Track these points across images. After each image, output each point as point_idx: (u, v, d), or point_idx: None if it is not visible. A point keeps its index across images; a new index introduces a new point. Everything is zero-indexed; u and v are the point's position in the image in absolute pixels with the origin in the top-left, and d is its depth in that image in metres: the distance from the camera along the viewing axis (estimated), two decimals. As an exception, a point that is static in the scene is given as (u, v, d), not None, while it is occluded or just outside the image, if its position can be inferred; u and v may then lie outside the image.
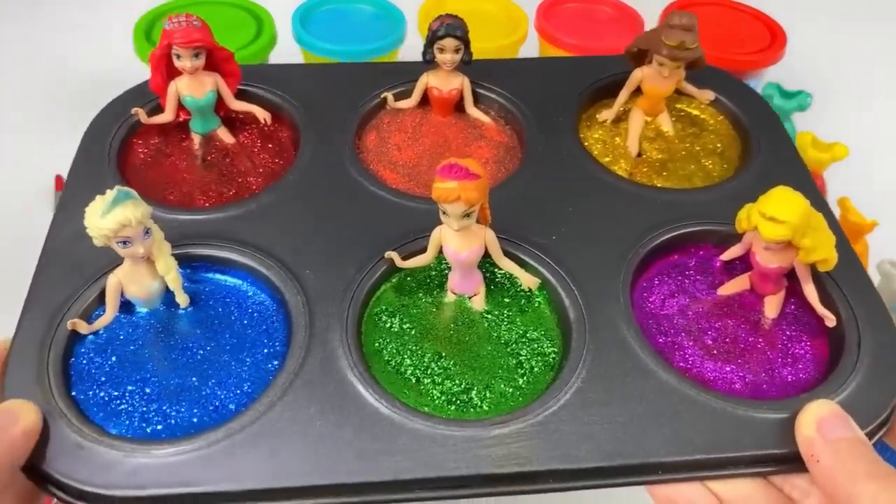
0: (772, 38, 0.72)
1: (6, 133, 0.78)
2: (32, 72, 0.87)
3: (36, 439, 0.36)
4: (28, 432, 0.36)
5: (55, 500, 0.37)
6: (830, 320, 0.43)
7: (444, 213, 0.41)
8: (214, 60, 0.51)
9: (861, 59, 0.93)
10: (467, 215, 0.40)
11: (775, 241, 0.40)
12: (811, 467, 0.36)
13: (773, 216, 0.39)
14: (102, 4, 0.92)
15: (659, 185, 0.52)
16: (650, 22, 0.71)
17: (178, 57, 0.49)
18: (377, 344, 0.42)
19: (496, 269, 0.46)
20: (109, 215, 0.39)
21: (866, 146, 0.70)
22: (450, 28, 0.51)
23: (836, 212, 0.60)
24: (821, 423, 0.36)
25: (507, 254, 0.45)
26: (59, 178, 0.70)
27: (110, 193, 0.39)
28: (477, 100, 0.56)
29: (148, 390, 0.40)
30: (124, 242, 0.40)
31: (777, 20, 0.75)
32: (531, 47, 0.74)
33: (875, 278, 0.57)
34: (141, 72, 0.63)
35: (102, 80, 0.77)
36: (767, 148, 0.53)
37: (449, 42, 0.51)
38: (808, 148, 0.65)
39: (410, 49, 0.69)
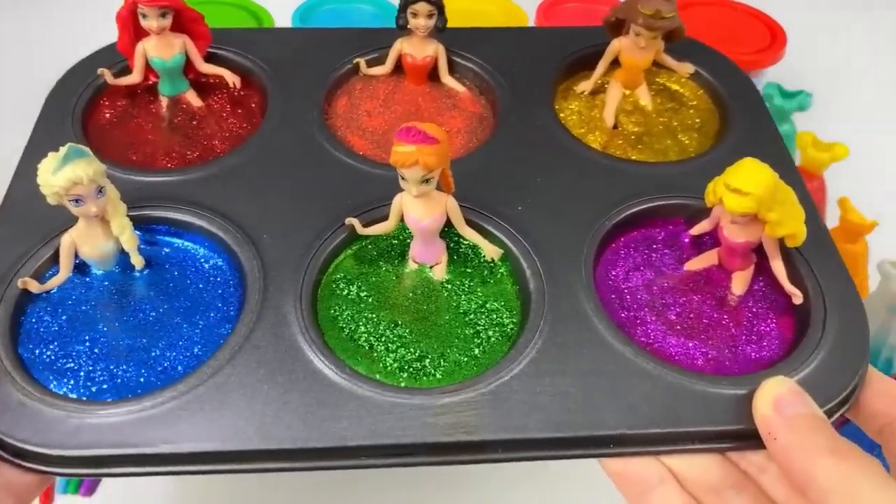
0: (772, 38, 0.72)
1: (6, 132, 0.77)
2: (32, 71, 0.81)
3: None
4: None
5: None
6: (797, 297, 0.42)
7: (402, 178, 0.40)
8: (183, 21, 0.50)
9: (861, 59, 0.92)
10: (426, 181, 0.39)
11: (740, 214, 0.39)
12: (768, 444, 0.35)
13: (738, 188, 0.38)
14: (102, 4, 0.88)
15: (634, 158, 0.51)
16: None
17: (145, 16, 0.48)
18: (333, 311, 0.42)
19: (461, 240, 0.45)
20: (60, 172, 0.38)
21: (866, 146, 0.69)
22: (423, -9, 0.50)
23: (836, 212, 0.60)
24: (778, 400, 0.36)
25: (471, 223, 0.44)
26: None
27: (62, 150, 0.38)
28: (452, 68, 0.55)
29: (96, 350, 0.39)
30: (77, 200, 0.39)
31: (777, 20, 0.75)
32: None
33: (875, 279, 0.56)
34: None
35: None
36: (745, 123, 0.52)
37: (422, 6, 0.50)
38: (808, 148, 0.64)
39: None
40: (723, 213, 0.42)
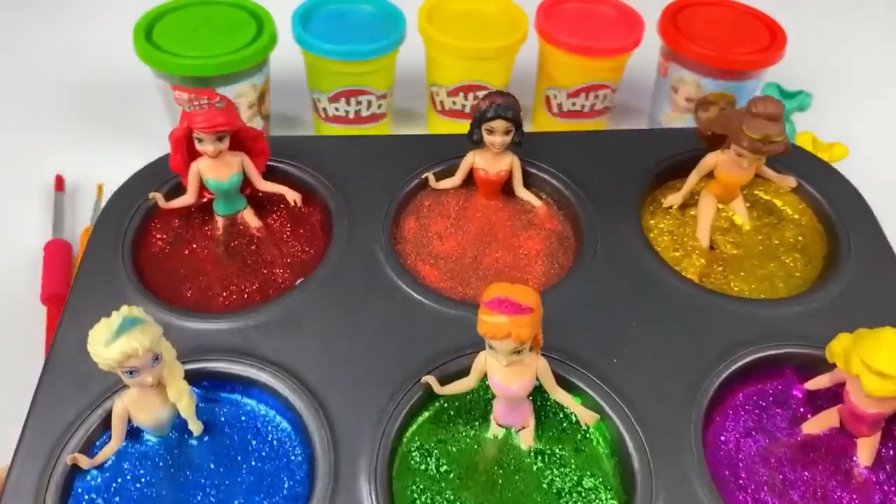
0: (772, 39, 0.70)
1: (6, 132, 0.77)
2: (32, 71, 0.86)
3: None
4: None
5: None
6: (940, 477, 0.37)
7: (490, 346, 0.35)
8: (240, 139, 0.47)
9: (861, 59, 0.91)
10: (517, 352, 0.35)
11: (883, 398, 0.34)
12: None
13: (882, 371, 0.33)
14: (102, 4, 0.92)
15: (735, 288, 0.46)
16: (650, 22, 0.70)
17: (200, 141, 0.44)
18: (409, 491, 0.37)
19: (549, 400, 0.41)
20: (114, 345, 0.34)
21: (866, 146, 0.70)
22: (500, 109, 0.45)
23: None
24: None
25: (557, 378, 0.39)
26: (58, 177, 0.68)
27: (116, 318, 0.35)
28: (527, 181, 0.51)
29: (154, 539, 0.36)
30: (131, 372, 0.35)
31: (777, 20, 0.73)
32: (531, 48, 0.72)
33: None
34: (140, 71, 0.65)
35: (102, 79, 0.83)
36: (858, 247, 0.47)
37: (499, 124, 0.46)
38: (808, 148, 0.62)
39: (410, 49, 0.68)
40: (853, 382, 0.37)
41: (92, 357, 0.35)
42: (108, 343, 0.34)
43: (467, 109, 0.69)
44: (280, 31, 0.68)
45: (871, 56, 0.92)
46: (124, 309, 0.35)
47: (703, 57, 0.65)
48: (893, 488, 0.38)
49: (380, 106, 0.68)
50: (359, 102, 0.67)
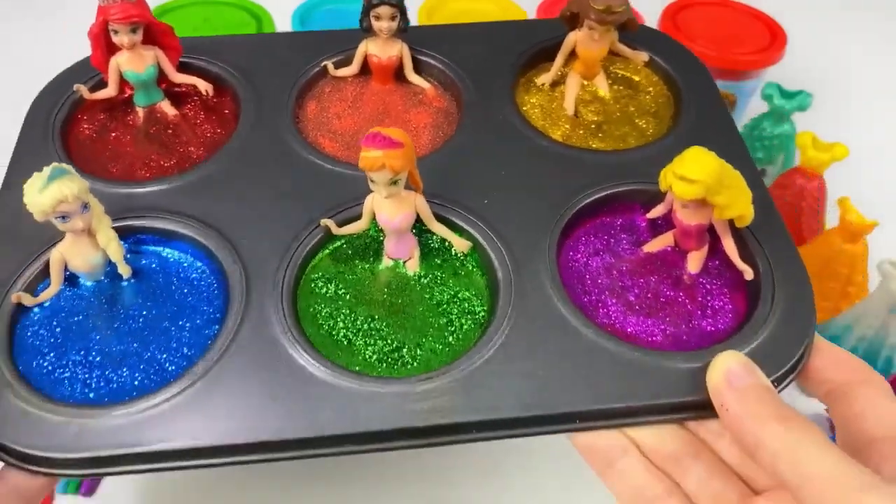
0: (772, 38, 0.73)
1: (8, 132, 0.76)
2: (32, 72, 0.81)
3: None
4: None
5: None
6: (748, 273, 0.45)
7: (372, 181, 0.42)
8: (154, 34, 0.52)
9: (861, 60, 0.93)
10: (394, 182, 0.42)
11: (688, 200, 0.42)
12: (721, 415, 0.38)
13: (685, 175, 0.41)
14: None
15: (594, 146, 0.53)
16: (650, 22, 0.72)
17: (116, 33, 0.50)
18: (312, 309, 0.44)
19: (432, 235, 0.48)
20: (46, 191, 0.40)
21: (866, 146, 0.70)
22: (384, -6, 0.52)
23: (836, 212, 0.61)
24: (729, 373, 0.38)
25: (439, 218, 0.46)
26: None
27: (46, 170, 0.40)
28: (417, 66, 0.57)
29: (91, 358, 0.42)
30: (63, 217, 0.41)
31: (777, 20, 0.75)
32: None
33: (875, 279, 0.58)
34: None
35: None
36: (698, 108, 0.54)
37: (384, 9, 0.52)
38: (808, 148, 0.65)
39: None
40: (674, 198, 0.44)
41: (28, 207, 0.41)
42: (41, 189, 0.40)
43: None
44: (280, 30, 0.70)
45: (872, 56, 0.93)
46: (54, 164, 0.41)
47: (702, 56, 0.63)
48: (714, 286, 0.46)
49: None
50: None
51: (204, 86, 0.54)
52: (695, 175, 0.41)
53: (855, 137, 0.68)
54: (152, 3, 0.64)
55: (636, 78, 0.58)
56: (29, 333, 0.43)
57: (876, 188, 0.63)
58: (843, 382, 0.40)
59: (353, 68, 0.57)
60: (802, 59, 0.79)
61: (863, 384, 0.39)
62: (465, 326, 0.44)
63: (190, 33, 0.65)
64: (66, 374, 0.41)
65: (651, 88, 0.58)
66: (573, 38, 0.55)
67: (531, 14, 0.75)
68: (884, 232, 0.60)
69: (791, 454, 0.34)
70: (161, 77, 0.54)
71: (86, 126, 0.54)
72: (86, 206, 0.42)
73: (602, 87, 0.57)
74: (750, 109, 0.77)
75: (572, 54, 0.56)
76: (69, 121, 0.53)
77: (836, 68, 0.90)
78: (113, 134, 0.53)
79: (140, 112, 0.54)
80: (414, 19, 0.68)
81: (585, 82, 0.57)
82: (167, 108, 0.55)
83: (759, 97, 0.71)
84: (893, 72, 0.92)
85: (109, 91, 0.53)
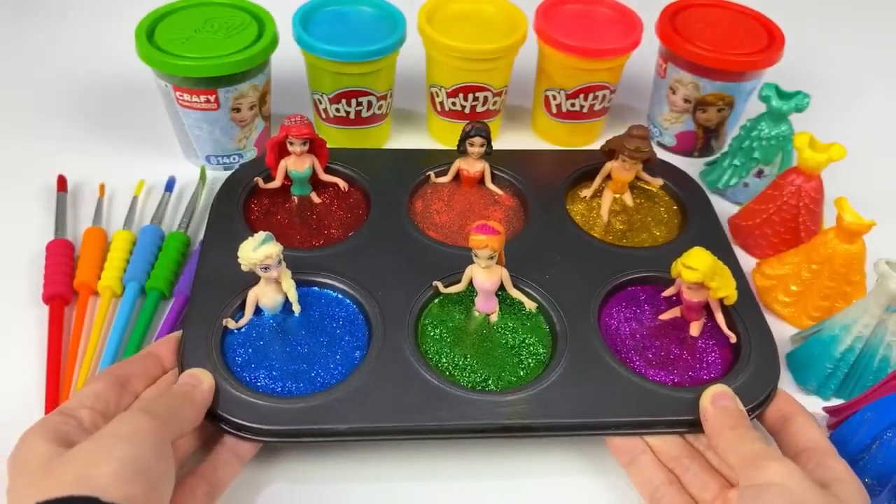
0: (770, 40, 0.71)
1: (9, 133, 0.78)
2: (35, 72, 0.86)
3: (213, 393, 0.56)
4: (210, 388, 0.56)
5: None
6: (732, 338, 0.64)
7: (475, 255, 0.62)
8: (312, 146, 0.73)
9: (859, 60, 0.92)
10: (491, 257, 0.61)
11: (691, 283, 0.61)
12: (704, 424, 0.56)
13: (690, 265, 0.60)
14: (104, 6, 0.92)
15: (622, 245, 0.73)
16: (648, 23, 0.74)
17: (292, 143, 0.71)
18: (423, 347, 0.63)
19: (509, 297, 0.67)
20: (259, 249, 0.59)
21: (864, 147, 0.70)
22: (478, 130, 0.73)
23: (834, 212, 0.63)
24: (713, 396, 0.57)
25: (515, 286, 0.66)
26: (61, 177, 0.72)
27: (259, 235, 0.60)
28: (494, 178, 0.78)
29: (274, 373, 0.60)
30: (265, 268, 0.60)
31: (775, 21, 0.74)
32: (531, 48, 0.75)
33: (871, 278, 0.60)
34: (142, 72, 0.70)
35: (104, 80, 0.86)
36: (697, 221, 0.75)
37: (477, 139, 0.73)
38: (806, 149, 0.66)
39: (410, 49, 0.74)
40: (682, 282, 0.64)
41: (240, 259, 0.60)
42: (255, 249, 0.59)
43: (467, 110, 0.80)
44: (281, 31, 0.70)
45: (869, 57, 0.93)
46: (263, 232, 0.61)
47: (701, 58, 0.67)
48: (708, 346, 0.65)
49: (380, 107, 0.77)
50: (359, 103, 0.75)
51: (342, 184, 0.74)
52: (697, 265, 0.60)
53: (852, 138, 0.68)
54: (153, 5, 0.71)
55: (653, 189, 0.79)
56: (230, 352, 0.61)
57: (873, 188, 0.62)
58: (788, 412, 0.58)
59: (448, 177, 0.77)
60: (800, 61, 0.78)
61: (798, 414, 0.57)
62: (532, 364, 0.62)
63: (192, 34, 0.67)
64: (259, 384, 0.59)
65: (664, 203, 0.78)
66: (609, 166, 0.76)
67: (530, 16, 0.73)
68: (881, 232, 0.61)
69: (734, 446, 0.52)
70: (311, 176, 0.74)
71: (255, 209, 0.74)
72: (280, 262, 0.61)
73: (628, 200, 0.77)
74: (748, 110, 0.78)
75: (608, 177, 0.77)
76: (245, 205, 0.73)
77: (833, 69, 0.88)
78: (275, 218, 0.73)
79: (295, 200, 0.75)
80: (414, 20, 0.75)
81: (616, 196, 0.77)
82: (314, 198, 0.75)
83: (756, 98, 0.72)
84: (891, 73, 0.91)
85: (276, 184, 0.73)
